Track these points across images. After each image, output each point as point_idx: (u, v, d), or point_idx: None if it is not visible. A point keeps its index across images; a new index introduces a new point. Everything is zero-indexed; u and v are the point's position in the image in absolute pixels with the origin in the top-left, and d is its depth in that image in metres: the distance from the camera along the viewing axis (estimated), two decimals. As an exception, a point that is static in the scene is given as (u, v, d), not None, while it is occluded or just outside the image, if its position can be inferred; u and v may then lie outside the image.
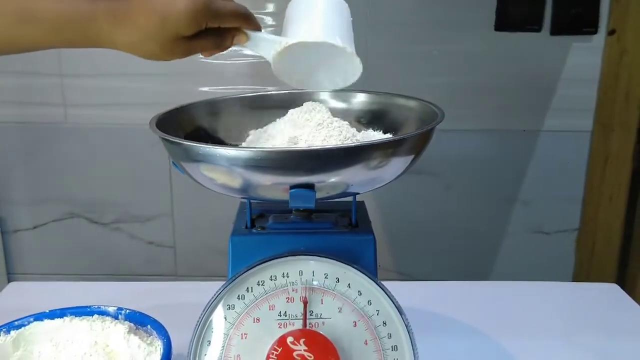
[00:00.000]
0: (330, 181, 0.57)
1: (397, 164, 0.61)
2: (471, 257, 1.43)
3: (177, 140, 0.58)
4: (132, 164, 1.41)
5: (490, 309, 0.96)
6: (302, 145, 0.63)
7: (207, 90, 1.35)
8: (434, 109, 0.67)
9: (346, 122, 0.67)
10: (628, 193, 1.35)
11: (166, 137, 0.59)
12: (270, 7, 1.32)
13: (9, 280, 1.34)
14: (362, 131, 0.72)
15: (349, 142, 0.63)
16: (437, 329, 0.89)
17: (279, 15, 1.30)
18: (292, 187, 0.56)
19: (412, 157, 0.62)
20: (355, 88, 0.72)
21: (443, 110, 0.65)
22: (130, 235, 1.46)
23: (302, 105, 0.67)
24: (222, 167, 0.56)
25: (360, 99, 0.76)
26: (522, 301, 0.99)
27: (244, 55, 1.32)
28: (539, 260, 1.42)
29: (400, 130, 0.72)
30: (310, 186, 0.57)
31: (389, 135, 0.71)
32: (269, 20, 1.32)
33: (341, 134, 0.64)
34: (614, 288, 1.02)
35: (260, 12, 1.32)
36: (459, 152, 1.37)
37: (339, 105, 0.75)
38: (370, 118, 0.75)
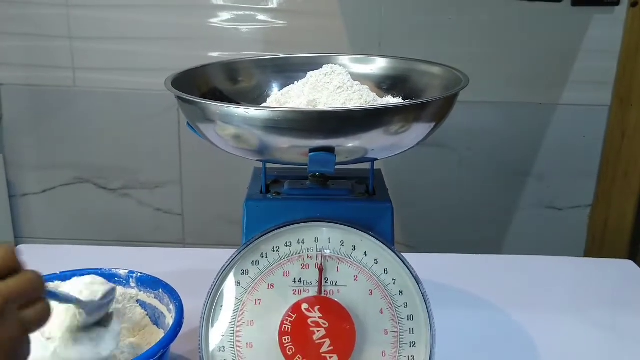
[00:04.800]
0: (351, 145, 0.56)
1: (419, 130, 0.59)
2: (482, 231, 1.42)
3: (196, 100, 0.57)
4: (141, 130, 1.39)
5: (501, 283, 0.95)
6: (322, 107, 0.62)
7: (218, 56, 1.33)
8: (458, 74, 0.65)
9: (366, 87, 0.65)
10: (643, 169, 1.33)
11: (184, 96, 0.57)
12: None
13: (17, 244, 1.34)
14: (383, 97, 0.71)
15: (371, 105, 0.61)
16: (447, 301, 0.89)
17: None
18: (312, 150, 0.55)
19: (434, 123, 0.60)
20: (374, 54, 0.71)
21: (467, 76, 0.63)
22: (139, 201, 1.45)
23: (321, 68, 0.66)
24: (242, 127, 0.55)
25: (381, 64, 0.74)
26: (534, 275, 0.98)
27: (257, 20, 1.30)
28: (551, 235, 1.41)
29: (421, 97, 0.70)
30: (330, 150, 0.55)
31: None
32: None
33: (362, 98, 0.62)
34: (628, 264, 1.01)
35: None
36: (473, 124, 1.34)
37: (359, 70, 0.74)
38: (391, 84, 0.73)
